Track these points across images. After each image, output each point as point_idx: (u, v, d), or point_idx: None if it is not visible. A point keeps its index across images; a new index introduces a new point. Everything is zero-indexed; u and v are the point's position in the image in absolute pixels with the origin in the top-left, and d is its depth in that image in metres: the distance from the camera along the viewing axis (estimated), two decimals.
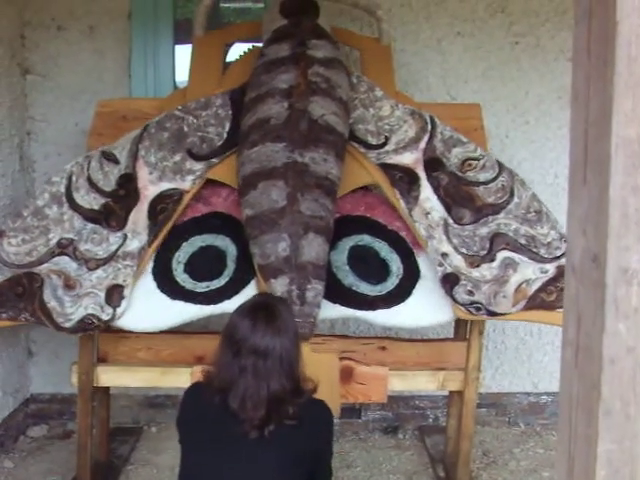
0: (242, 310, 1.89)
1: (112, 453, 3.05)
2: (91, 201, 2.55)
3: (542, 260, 2.47)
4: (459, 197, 2.56)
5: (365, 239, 2.56)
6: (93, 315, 2.36)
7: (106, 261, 2.44)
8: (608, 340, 0.98)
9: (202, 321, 2.57)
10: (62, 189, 2.56)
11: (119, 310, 2.37)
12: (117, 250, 2.46)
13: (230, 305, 2.27)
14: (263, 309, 1.86)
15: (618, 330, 0.99)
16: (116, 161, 2.61)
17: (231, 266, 2.50)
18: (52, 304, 2.38)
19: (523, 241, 2.50)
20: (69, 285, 2.41)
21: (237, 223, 2.52)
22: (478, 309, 2.40)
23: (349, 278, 2.49)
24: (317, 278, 2.36)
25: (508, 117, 3.37)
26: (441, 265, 2.44)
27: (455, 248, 2.47)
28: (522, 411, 3.48)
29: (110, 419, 3.02)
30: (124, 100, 3.11)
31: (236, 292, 2.40)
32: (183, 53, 3.29)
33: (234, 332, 1.83)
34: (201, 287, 2.46)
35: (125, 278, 2.41)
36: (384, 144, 2.65)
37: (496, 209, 2.55)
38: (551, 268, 2.46)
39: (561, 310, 2.35)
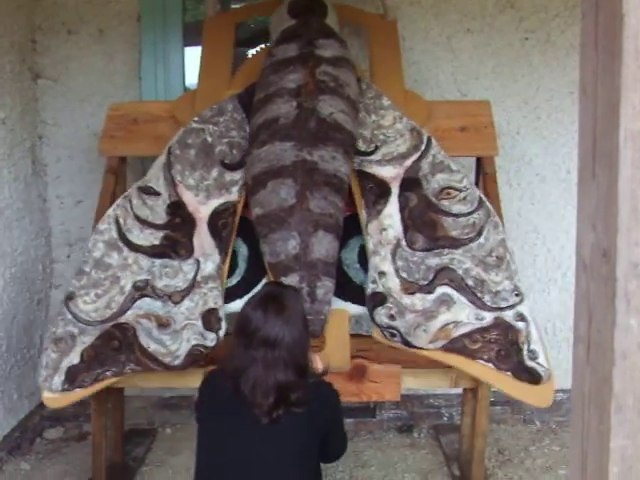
0: (254, 302, 1.99)
1: (127, 454, 3.06)
2: (148, 237, 2.49)
3: (482, 307, 2.37)
4: (421, 222, 2.49)
5: None
6: (199, 345, 2.31)
7: (189, 290, 2.40)
8: (619, 335, 0.98)
9: None
10: (114, 235, 2.48)
11: (221, 333, 2.34)
12: (195, 276, 2.42)
13: (242, 304, 2.28)
14: (273, 300, 1.95)
15: (629, 325, 0.98)
16: (156, 193, 2.56)
17: (242, 265, 2.52)
18: (153, 347, 2.32)
19: (470, 282, 2.40)
20: (162, 324, 2.35)
21: (248, 223, 2.52)
22: (393, 335, 2.33)
23: (360, 276, 2.48)
24: (327, 275, 2.37)
25: (519, 113, 3.35)
26: (374, 282, 2.39)
27: (396, 270, 2.41)
28: (538, 409, 3.45)
29: (125, 421, 3.04)
30: (135, 103, 3.13)
31: (248, 291, 2.41)
32: (193, 55, 3.30)
33: (247, 324, 1.93)
34: None
35: (215, 300, 2.38)
36: (371, 153, 2.63)
37: (456, 244, 2.46)
38: (488, 317, 2.36)
39: (481, 362, 2.31)
